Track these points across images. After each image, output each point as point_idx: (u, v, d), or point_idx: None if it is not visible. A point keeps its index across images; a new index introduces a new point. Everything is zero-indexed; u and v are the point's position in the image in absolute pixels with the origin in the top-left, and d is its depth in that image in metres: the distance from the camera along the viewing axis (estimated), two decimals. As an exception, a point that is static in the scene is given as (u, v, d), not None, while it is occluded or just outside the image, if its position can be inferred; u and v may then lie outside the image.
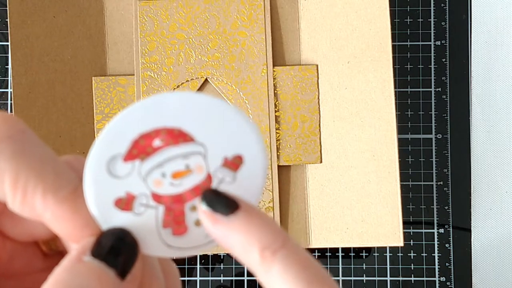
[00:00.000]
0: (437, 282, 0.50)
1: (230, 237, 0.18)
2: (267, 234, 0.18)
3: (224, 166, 0.19)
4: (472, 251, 0.51)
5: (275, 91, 0.47)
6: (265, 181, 0.20)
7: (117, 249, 0.18)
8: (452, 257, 0.51)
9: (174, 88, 0.46)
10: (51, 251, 0.21)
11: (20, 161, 0.17)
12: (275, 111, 0.47)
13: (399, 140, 0.49)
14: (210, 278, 0.50)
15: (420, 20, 0.52)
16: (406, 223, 0.51)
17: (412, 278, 0.50)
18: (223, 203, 0.18)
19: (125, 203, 0.19)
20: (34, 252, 0.21)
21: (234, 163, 0.19)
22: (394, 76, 0.44)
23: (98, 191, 0.18)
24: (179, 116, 0.19)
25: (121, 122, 0.19)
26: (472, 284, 0.50)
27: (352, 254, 0.51)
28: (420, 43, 0.52)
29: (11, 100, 0.49)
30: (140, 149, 0.19)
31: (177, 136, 0.19)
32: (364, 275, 0.50)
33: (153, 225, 0.19)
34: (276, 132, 0.47)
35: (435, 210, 0.51)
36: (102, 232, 0.18)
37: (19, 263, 0.20)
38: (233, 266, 0.50)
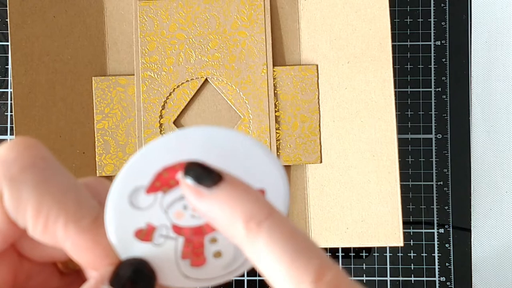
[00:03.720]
0: (437, 282, 0.50)
1: (214, 210, 0.18)
2: (252, 206, 0.17)
3: None
4: (472, 251, 0.51)
5: (275, 91, 0.47)
6: (286, 213, 0.20)
7: (135, 279, 0.18)
8: (452, 257, 0.51)
9: (174, 88, 0.46)
10: (69, 270, 0.21)
11: (42, 191, 0.17)
12: (275, 111, 0.47)
13: (399, 140, 0.49)
14: (210, 278, 0.50)
15: (420, 20, 0.52)
16: (406, 223, 0.51)
17: (412, 278, 0.50)
18: (206, 175, 0.18)
19: (145, 234, 0.19)
20: (51, 272, 0.21)
21: None
22: (394, 76, 0.44)
23: (119, 221, 0.19)
24: (203, 150, 0.19)
25: (145, 155, 0.19)
26: (472, 284, 0.50)
27: (352, 254, 0.51)
28: (420, 43, 0.52)
29: (11, 100, 0.49)
30: (163, 181, 0.19)
31: None
32: (364, 275, 0.50)
33: (172, 256, 0.19)
34: (276, 132, 0.47)
35: (435, 210, 0.51)
36: (120, 262, 0.18)
37: (36, 282, 0.21)
38: (233, 266, 0.50)
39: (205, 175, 0.18)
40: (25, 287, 0.20)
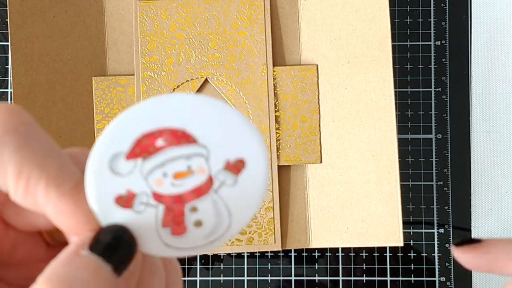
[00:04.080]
0: (437, 282, 0.50)
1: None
2: None
3: (226, 169, 0.19)
4: (472, 251, 0.51)
5: (275, 91, 0.47)
6: (266, 186, 0.20)
7: (115, 245, 0.18)
8: (452, 257, 0.51)
9: (174, 88, 0.46)
10: (55, 241, 0.21)
11: (24, 154, 0.18)
12: (275, 111, 0.47)
13: (399, 140, 0.49)
14: (210, 278, 0.50)
15: (420, 20, 0.52)
16: (406, 223, 0.51)
17: (412, 278, 0.50)
18: None
19: (125, 200, 0.19)
20: (37, 242, 0.21)
21: (236, 167, 0.19)
22: (394, 76, 0.44)
23: (99, 187, 0.18)
24: (183, 118, 0.19)
25: (124, 120, 0.19)
26: (472, 284, 0.50)
27: (352, 254, 0.51)
28: (420, 43, 0.52)
29: (11, 100, 0.49)
30: (142, 148, 0.19)
31: (180, 137, 0.19)
32: (364, 275, 0.50)
33: (152, 224, 0.19)
34: (276, 132, 0.47)
35: (435, 210, 0.51)
36: (101, 228, 0.18)
37: (22, 252, 0.21)
38: (233, 266, 0.50)
39: None
40: (11, 257, 0.20)
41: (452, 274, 0.50)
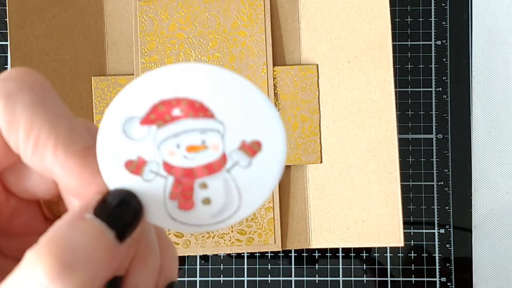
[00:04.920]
0: (437, 282, 0.50)
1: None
2: None
3: (241, 149, 0.19)
4: (472, 251, 0.50)
5: (275, 91, 0.47)
6: (281, 173, 0.19)
7: (120, 210, 0.17)
8: (452, 258, 0.50)
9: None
10: (53, 215, 0.21)
11: (36, 111, 0.18)
12: (275, 111, 0.47)
13: (400, 140, 0.49)
14: (210, 278, 0.50)
15: (421, 19, 0.52)
16: (406, 223, 0.50)
17: (413, 279, 0.50)
18: None
19: (135, 166, 0.18)
20: (35, 214, 0.21)
21: (251, 148, 0.19)
22: (395, 76, 0.44)
23: (110, 149, 0.18)
24: (203, 89, 0.18)
25: (143, 84, 0.18)
26: (473, 285, 0.50)
27: (352, 254, 0.51)
28: (421, 42, 0.52)
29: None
30: (158, 115, 0.18)
31: (198, 109, 0.18)
32: (365, 275, 0.50)
33: (160, 194, 0.18)
34: (276, 132, 0.47)
35: (435, 210, 0.51)
36: (108, 191, 0.18)
37: (20, 222, 0.21)
38: (233, 266, 0.50)
39: None
40: (9, 226, 0.20)
41: (453, 275, 0.50)
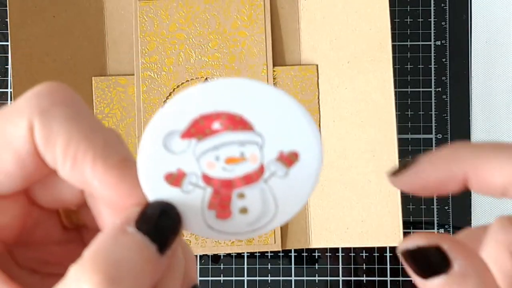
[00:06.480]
0: (437, 282, 0.50)
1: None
2: None
3: (279, 160, 0.19)
4: (472, 251, 0.50)
5: (275, 91, 0.47)
6: (317, 183, 0.20)
7: (161, 223, 0.18)
8: (452, 257, 0.50)
9: (174, 88, 0.46)
10: (71, 224, 0.22)
11: (72, 126, 0.18)
12: (275, 111, 0.47)
13: (399, 140, 0.49)
14: (210, 278, 0.50)
15: (420, 20, 0.52)
16: (406, 223, 0.50)
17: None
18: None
19: (175, 178, 0.19)
20: (54, 223, 0.21)
21: (289, 159, 0.19)
22: (394, 76, 0.44)
23: (151, 162, 0.19)
24: (242, 103, 0.19)
25: (184, 100, 0.19)
26: (472, 284, 0.50)
27: (352, 254, 0.51)
28: (420, 43, 0.52)
29: (11, 100, 0.49)
30: (198, 129, 0.19)
31: (237, 123, 0.19)
32: (364, 275, 0.50)
33: (198, 205, 0.19)
34: (276, 132, 0.47)
35: (435, 210, 0.51)
36: (147, 203, 0.18)
37: (40, 232, 0.21)
38: (233, 266, 0.50)
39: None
40: (31, 235, 0.20)
41: (452, 274, 0.50)
